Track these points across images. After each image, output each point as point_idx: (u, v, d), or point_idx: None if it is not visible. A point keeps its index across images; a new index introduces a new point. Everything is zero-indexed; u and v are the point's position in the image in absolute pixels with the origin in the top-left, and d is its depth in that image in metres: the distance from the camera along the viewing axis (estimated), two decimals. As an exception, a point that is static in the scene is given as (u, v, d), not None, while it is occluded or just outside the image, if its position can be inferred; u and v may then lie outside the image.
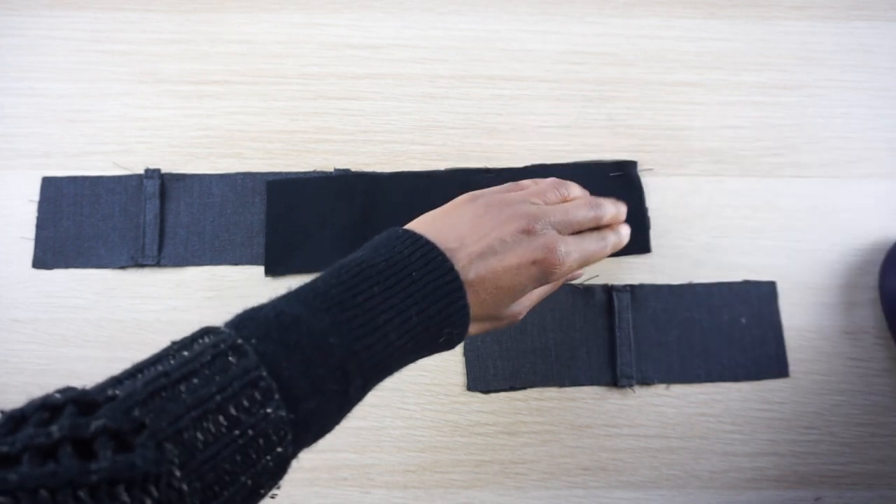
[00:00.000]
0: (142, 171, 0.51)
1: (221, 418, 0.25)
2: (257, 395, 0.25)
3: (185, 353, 0.26)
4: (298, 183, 0.51)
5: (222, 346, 0.26)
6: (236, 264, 0.50)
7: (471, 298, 0.34)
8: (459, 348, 0.49)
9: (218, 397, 0.25)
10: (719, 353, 0.49)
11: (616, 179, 0.51)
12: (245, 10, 0.55)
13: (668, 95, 0.54)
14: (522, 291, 0.36)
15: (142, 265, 0.50)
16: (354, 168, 0.52)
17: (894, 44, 0.55)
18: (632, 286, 0.49)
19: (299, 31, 0.55)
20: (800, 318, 0.49)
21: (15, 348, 0.48)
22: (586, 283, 0.50)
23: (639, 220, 0.51)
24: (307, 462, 0.49)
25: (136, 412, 0.23)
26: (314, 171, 0.52)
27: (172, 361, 0.26)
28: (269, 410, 0.26)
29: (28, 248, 0.50)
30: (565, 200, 0.42)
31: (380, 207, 0.51)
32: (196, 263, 0.50)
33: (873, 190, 0.52)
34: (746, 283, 0.49)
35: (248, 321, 0.28)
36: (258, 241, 0.51)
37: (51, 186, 0.51)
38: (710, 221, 0.51)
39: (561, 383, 0.48)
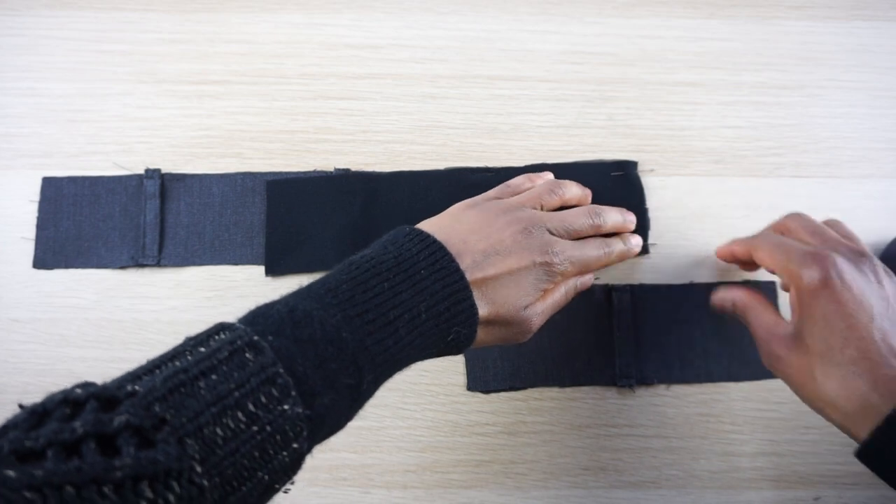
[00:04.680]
0: (142, 171, 0.51)
1: (240, 414, 0.25)
2: (275, 392, 0.26)
3: (202, 350, 0.26)
4: (298, 183, 0.51)
5: (239, 342, 0.26)
6: (236, 264, 0.50)
7: (477, 299, 0.34)
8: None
9: (236, 394, 0.25)
10: (719, 353, 0.49)
11: (616, 179, 0.51)
12: (245, 10, 0.55)
13: (668, 95, 0.54)
14: (526, 293, 0.37)
15: (142, 265, 0.50)
16: (354, 168, 0.52)
17: (894, 44, 0.55)
18: (631, 286, 0.49)
19: (299, 31, 0.55)
20: (800, 318, 0.49)
21: (15, 348, 0.48)
22: (586, 283, 0.50)
23: (639, 220, 0.51)
24: (307, 462, 0.49)
25: (157, 408, 0.23)
26: (314, 171, 0.52)
27: (190, 357, 0.26)
28: (286, 407, 0.26)
29: (28, 248, 0.50)
30: (563, 201, 0.43)
31: (380, 207, 0.51)
32: (196, 263, 0.50)
33: (873, 190, 0.52)
34: (747, 283, 0.49)
35: (261, 318, 0.29)
36: (258, 241, 0.51)
37: (51, 186, 0.51)
38: (710, 221, 0.51)
39: (561, 383, 0.48)
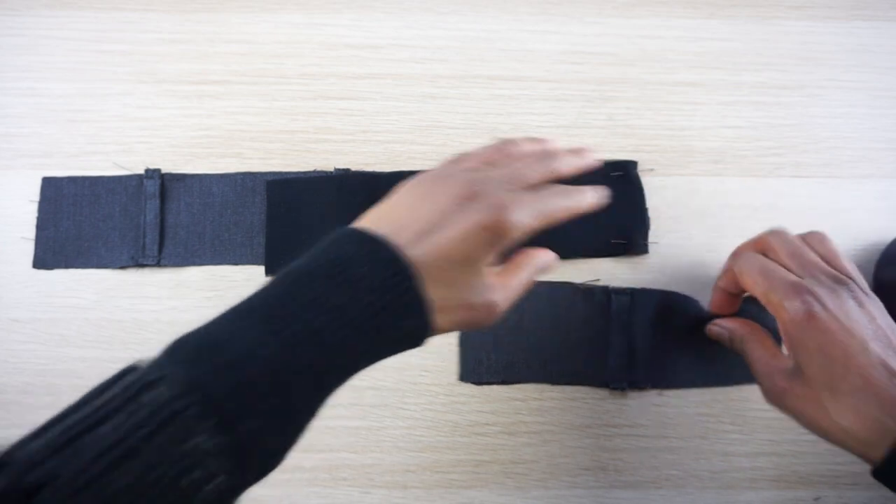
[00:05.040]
0: (142, 171, 0.51)
1: (138, 461, 0.23)
2: (179, 429, 0.24)
3: (102, 398, 0.25)
4: (298, 183, 0.51)
5: (136, 385, 0.25)
6: (236, 264, 0.50)
7: (427, 284, 0.31)
8: (454, 340, 0.49)
9: (132, 439, 0.24)
10: (714, 357, 0.48)
11: (616, 179, 0.51)
12: (245, 10, 0.55)
13: (668, 95, 0.54)
14: (478, 263, 0.32)
15: (142, 265, 0.50)
16: (354, 168, 0.52)
17: (894, 44, 0.55)
18: (633, 290, 0.49)
19: (299, 31, 0.55)
20: (800, 318, 0.49)
21: (15, 348, 0.48)
22: (587, 284, 0.50)
23: (639, 220, 0.51)
24: (307, 462, 0.49)
25: (39, 471, 0.22)
26: (314, 171, 0.52)
27: (87, 408, 0.25)
28: (198, 440, 0.24)
29: (28, 248, 0.50)
30: (556, 176, 0.38)
31: (380, 207, 0.51)
32: (196, 263, 0.50)
33: (873, 190, 0.52)
34: (746, 302, 0.49)
35: (178, 347, 0.27)
36: (258, 241, 0.51)
37: (51, 186, 0.51)
38: (710, 221, 0.51)
39: (554, 380, 0.48)
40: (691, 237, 0.51)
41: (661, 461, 0.47)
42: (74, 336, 0.49)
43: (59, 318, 0.49)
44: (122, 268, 0.50)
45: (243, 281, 0.50)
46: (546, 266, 0.38)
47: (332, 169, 0.52)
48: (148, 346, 0.50)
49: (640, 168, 0.52)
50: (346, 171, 0.52)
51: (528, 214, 0.33)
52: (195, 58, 0.54)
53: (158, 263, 0.50)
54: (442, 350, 0.49)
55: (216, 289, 0.50)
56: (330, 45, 0.55)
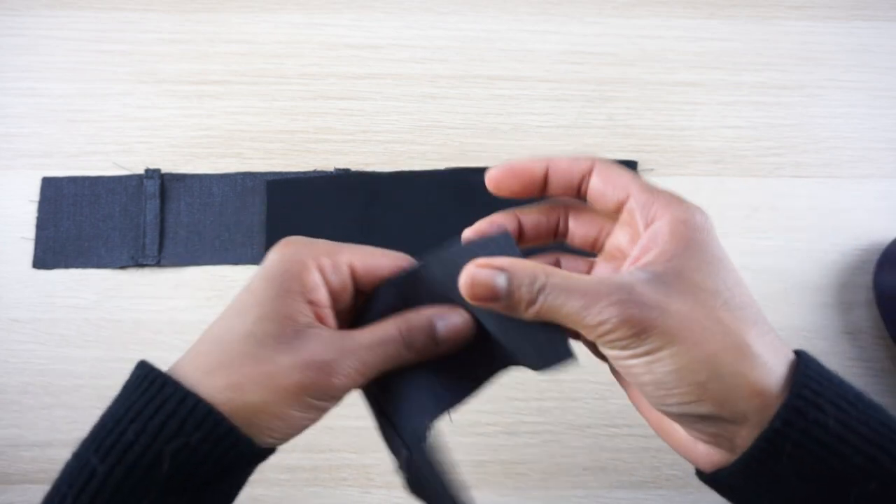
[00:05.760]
0: (142, 171, 0.51)
1: None
2: None
3: None
4: (298, 183, 0.51)
5: None
6: (236, 264, 0.50)
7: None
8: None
9: None
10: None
11: (616, 179, 0.51)
12: (245, 10, 0.55)
13: (668, 95, 0.54)
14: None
15: (142, 265, 0.50)
16: (354, 168, 0.52)
17: (894, 44, 0.55)
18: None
19: (299, 31, 0.55)
20: (800, 318, 0.49)
21: (15, 348, 0.48)
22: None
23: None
24: (307, 462, 0.49)
25: None
26: (314, 171, 0.52)
27: None
28: None
29: (28, 248, 0.50)
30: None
31: (380, 207, 0.51)
32: (196, 263, 0.50)
33: (873, 190, 0.52)
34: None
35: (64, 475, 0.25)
36: (258, 241, 0.51)
37: (51, 186, 0.51)
38: (710, 221, 0.51)
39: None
40: (691, 237, 0.51)
41: (661, 461, 0.47)
42: (74, 336, 0.49)
43: (59, 318, 0.49)
44: (122, 268, 0.50)
45: (243, 281, 0.50)
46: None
47: (332, 169, 0.52)
48: (148, 346, 0.50)
49: (640, 168, 0.52)
50: (346, 171, 0.52)
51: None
52: (195, 58, 0.54)
53: (158, 263, 0.50)
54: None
55: (216, 289, 0.50)
56: (330, 45, 0.55)
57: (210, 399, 0.25)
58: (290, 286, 0.27)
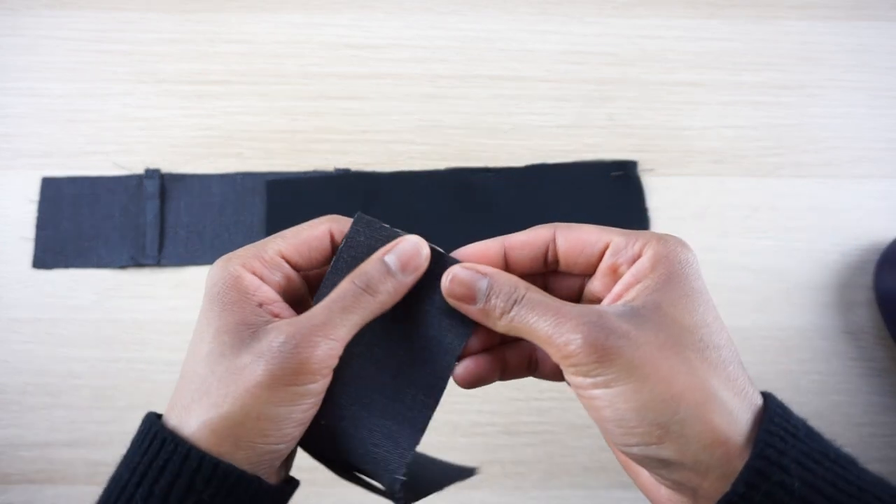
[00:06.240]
0: (142, 171, 0.51)
1: None
2: None
3: None
4: (298, 183, 0.51)
5: None
6: (236, 264, 0.50)
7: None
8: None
9: None
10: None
11: (616, 179, 0.51)
12: (245, 10, 0.55)
13: (668, 95, 0.54)
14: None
15: (142, 265, 0.50)
16: (354, 168, 0.52)
17: (894, 44, 0.55)
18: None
19: (299, 31, 0.55)
20: (800, 318, 0.49)
21: (15, 348, 0.48)
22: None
23: (639, 220, 0.51)
24: (307, 462, 0.49)
25: None
26: (314, 171, 0.52)
27: None
28: None
29: (28, 248, 0.50)
30: None
31: (380, 207, 0.51)
32: (196, 263, 0.50)
33: (873, 190, 0.52)
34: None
35: None
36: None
37: (51, 186, 0.51)
38: (710, 221, 0.51)
39: None
40: (691, 237, 0.51)
41: (661, 461, 0.47)
42: (74, 336, 0.49)
43: (59, 318, 0.49)
44: (122, 268, 0.50)
45: (243, 281, 0.50)
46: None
47: (332, 169, 0.52)
48: (148, 346, 0.50)
49: (640, 168, 0.52)
50: (346, 171, 0.52)
51: None
52: (195, 58, 0.54)
53: (158, 263, 0.50)
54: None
55: (216, 289, 0.50)
56: (330, 45, 0.55)
57: (204, 443, 0.25)
58: (231, 297, 0.27)
